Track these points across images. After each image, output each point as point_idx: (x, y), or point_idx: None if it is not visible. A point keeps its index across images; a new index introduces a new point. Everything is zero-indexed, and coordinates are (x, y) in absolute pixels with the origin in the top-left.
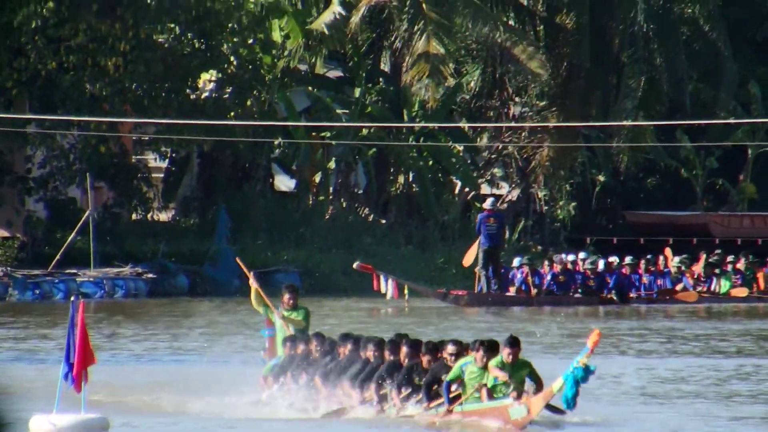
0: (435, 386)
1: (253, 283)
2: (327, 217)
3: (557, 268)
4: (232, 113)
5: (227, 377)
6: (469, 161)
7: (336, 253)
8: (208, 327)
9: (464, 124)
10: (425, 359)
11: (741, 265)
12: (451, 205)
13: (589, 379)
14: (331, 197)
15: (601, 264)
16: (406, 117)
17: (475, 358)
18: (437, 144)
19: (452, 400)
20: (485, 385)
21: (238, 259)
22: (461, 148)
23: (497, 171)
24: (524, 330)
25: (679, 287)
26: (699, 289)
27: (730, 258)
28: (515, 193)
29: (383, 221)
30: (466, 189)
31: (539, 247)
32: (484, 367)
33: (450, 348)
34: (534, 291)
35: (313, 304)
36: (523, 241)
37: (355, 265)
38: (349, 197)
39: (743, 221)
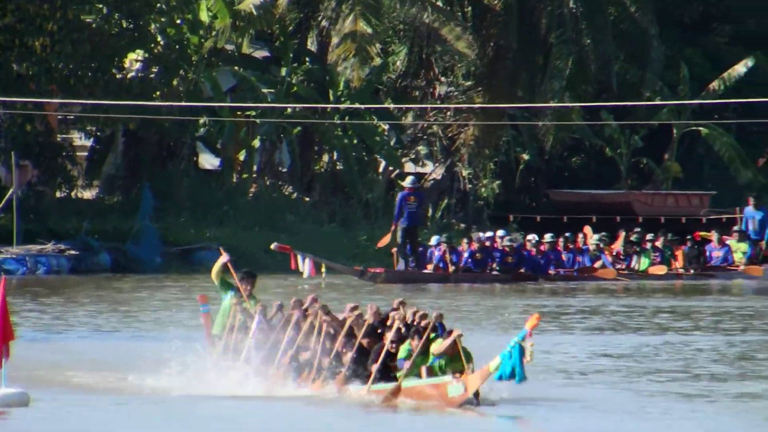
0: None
1: (225, 258)
2: (251, 195)
3: (475, 245)
4: (158, 93)
5: (150, 354)
6: (393, 140)
7: (259, 232)
8: (129, 304)
9: (390, 105)
10: (365, 341)
11: (660, 243)
12: (375, 183)
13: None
14: (255, 175)
15: (521, 241)
16: (331, 96)
17: (411, 345)
18: (362, 122)
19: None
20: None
21: (280, 246)
22: (386, 127)
23: (422, 149)
24: (440, 307)
25: (597, 265)
26: (618, 266)
27: (649, 236)
28: (439, 172)
29: (307, 199)
30: (390, 167)
31: (462, 225)
32: (423, 353)
33: (391, 337)
34: (451, 268)
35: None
36: (446, 218)
37: (273, 246)
38: (274, 176)
39: (667, 200)
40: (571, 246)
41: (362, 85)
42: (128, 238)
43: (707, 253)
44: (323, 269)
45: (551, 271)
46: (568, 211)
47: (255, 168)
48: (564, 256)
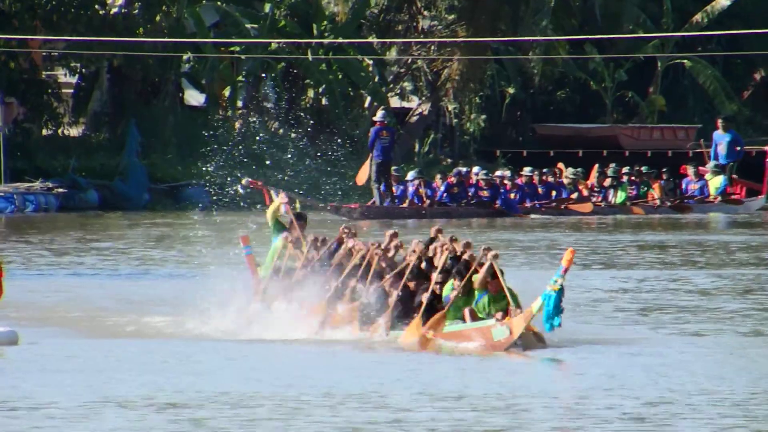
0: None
1: (283, 198)
2: (236, 131)
3: (452, 179)
4: (142, 29)
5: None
6: (377, 77)
7: (246, 168)
8: (118, 241)
9: (373, 40)
10: (411, 284)
11: (636, 176)
12: (361, 119)
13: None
14: (240, 111)
15: (499, 174)
16: (315, 31)
17: (454, 284)
18: (346, 58)
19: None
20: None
21: (251, 182)
22: (371, 63)
23: (407, 85)
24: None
25: (573, 196)
26: (594, 200)
27: (625, 169)
28: (425, 107)
29: (293, 135)
30: (375, 103)
31: (449, 160)
32: (467, 293)
33: (437, 277)
34: (426, 203)
35: (226, 218)
36: (432, 154)
37: (243, 182)
38: (259, 112)
39: (653, 133)
40: (548, 179)
41: (346, 20)
42: (115, 176)
43: (683, 186)
44: (297, 205)
45: (527, 204)
46: (554, 145)
47: (240, 104)
48: (540, 190)
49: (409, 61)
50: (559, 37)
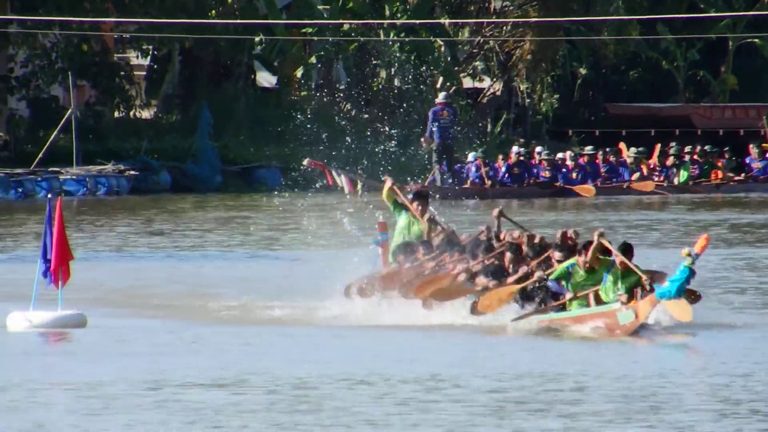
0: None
1: (389, 183)
2: (309, 113)
3: (512, 160)
4: (213, 11)
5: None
6: (449, 57)
7: (319, 148)
8: (194, 223)
9: (444, 21)
10: (533, 263)
11: (699, 155)
12: (434, 99)
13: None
14: (312, 93)
15: (560, 155)
16: (387, 12)
17: (578, 262)
18: (418, 39)
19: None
20: (595, 289)
21: (313, 162)
22: (442, 43)
23: (479, 65)
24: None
25: (635, 177)
26: (656, 179)
27: (687, 148)
28: (497, 87)
29: (365, 116)
30: (448, 83)
31: (521, 140)
32: (591, 270)
33: (557, 255)
34: (488, 183)
35: (297, 199)
36: (505, 134)
37: (305, 162)
38: (331, 93)
39: (725, 112)
40: (610, 159)
41: (418, 1)
42: (187, 158)
43: (748, 165)
44: (359, 186)
45: (588, 184)
46: (626, 124)
47: (312, 86)
48: (602, 170)
49: (481, 41)
50: (630, 16)
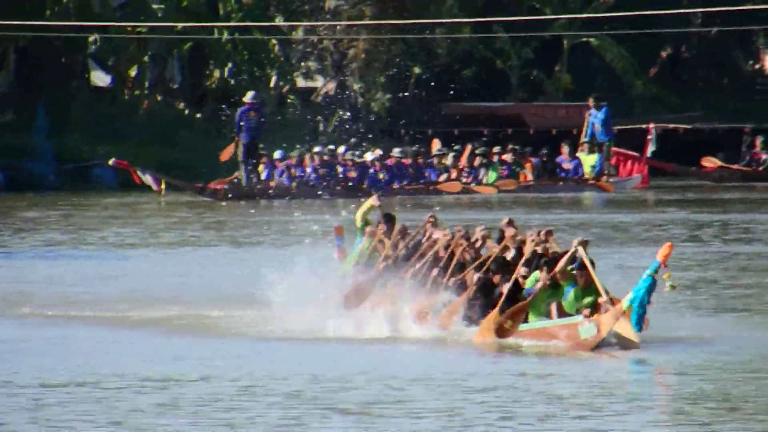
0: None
1: (375, 201)
2: (143, 112)
3: (318, 160)
4: (49, 11)
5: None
6: (282, 57)
7: (153, 148)
8: (29, 222)
9: (278, 24)
10: (496, 278)
11: (508, 156)
12: (267, 99)
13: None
14: (147, 92)
15: (369, 156)
16: (221, 11)
17: (541, 278)
18: (252, 38)
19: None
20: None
21: (118, 162)
22: (276, 42)
23: (312, 64)
24: (282, 221)
25: (442, 178)
26: (464, 180)
27: (496, 149)
28: (331, 86)
29: (199, 115)
30: (281, 83)
31: (353, 140)
32: (554, 286)
33: (523, 270)
34: (294, 183)
35: (132, 196)
36: (337, 133)
37: (110, 162)
38: (165, 92)
39: (558, 112)
40: (419, 161)
41: (253, 0)
42: (23, 156)
43: (558, 165)
44: (163, 185)
45: (395, 186)
46: (460, 123)
47: (147, 84)
48: (411, 171)
49: (315, 40)
50: (466, 20)
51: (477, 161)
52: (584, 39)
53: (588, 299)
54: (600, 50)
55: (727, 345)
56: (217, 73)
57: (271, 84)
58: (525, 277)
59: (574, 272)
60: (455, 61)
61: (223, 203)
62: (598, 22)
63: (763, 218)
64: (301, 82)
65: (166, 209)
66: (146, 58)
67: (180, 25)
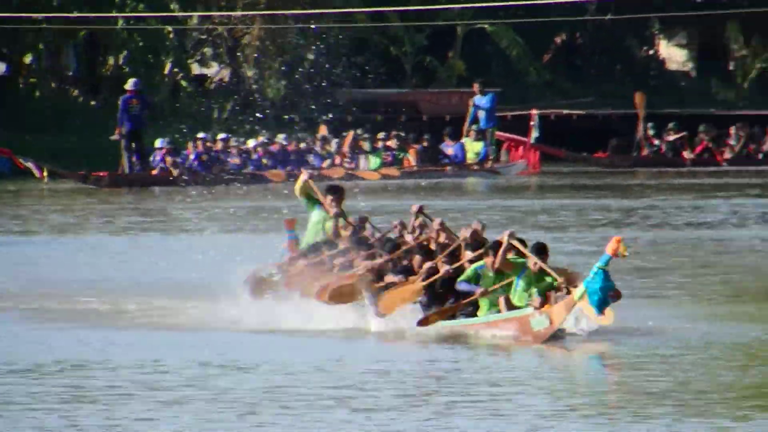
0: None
1: (305, 176)
2: (37, 99)
3: (201, 147)
4: None
5: None
6: (177, 44)
7: (47, 135)
8: None
9: (174, 14)
10: (439, 259)
11: (392, 142)
12: (162, 86)
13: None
14: (42, 80)
15: (252, 143)
16: (117, 0)
17: (487, 263)
18: (147, 27)
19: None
20: (506, 295)
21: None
22: (172, 30)
23: (207, 51)
24: (165, 210)
25: (326, 164)
26: (347, 165)
27: (381, 135)
28: (225, 73)
29: (93, 103)
30: (176, 70)
31: (248, 126)
32: (499, 273)
33: (468, 254)
34: (175, 171)
35: (26, 184)
36: (231, 120)
37: None
38: (60, 79)
39: (452, 98)
40: (303, 146)
41: None
42: None
43: (441, 152)
44: (45, 172)
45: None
46: (354, 110)
47: (42, 72)
48: (294, 157)
49: (210, 27)
50: (359, 9)
51: (361, 147)
52: (479, 25)
53: (541, 286)
54: (494, 37)
55: (642, 331)
56: (111, 61)
57: (166, 71)
58: (471, 262)
59: (521, 261)
60: (349, 48)
61: (106, 191)
62: (493, 8)
63: (656, 203)
64: (196, 69)
65: (50, 196)
66: (41, 46)
67: (76, 14)
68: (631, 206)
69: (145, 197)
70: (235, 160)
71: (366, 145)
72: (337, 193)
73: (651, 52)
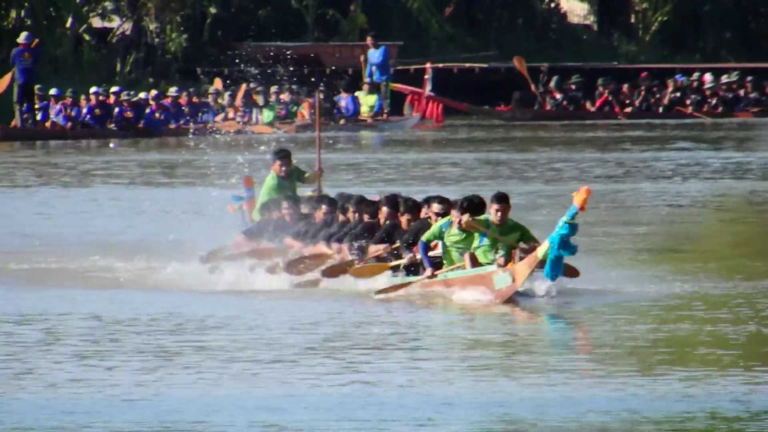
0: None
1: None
2: None
3: (94, 101)
4: None
5: None
6: None
7: None
8: None
9: None
10: (404, 219)
11: (286, 96)
12: (63, 39)
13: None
14: None
15: (143, 95)
16: None
17: (455, 219)
18: None
19: (434, 265)
20: (470, 251)
21: None
22: None
23: (108, 4)
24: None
25: (219, 118)
26: (239, 119)
27: (274, 89)
28: (127, 26)
29: None
30: (77, 24)
31: (151, 80)
32: (467, 231)
33: (436, 206)
34: (69, 124)
35: None
36: (134, 74)
37: None
38: None
39: (354, 51)
40: (195, 100)
41: None
42: None
43: (335, 105)
44: None
45: (172, 126)
46: (256, 63)
47: None
48: (187, 110)
49: None
50: None
51: (255, 101)
52: None
53: (506, 243)
54: None
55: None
56: (13, 14)
57: (68, 24)
58: (438, 215)
59: (487, 217)
60: (250, 0)
61: None
62: None
63: (555, 156)
64: (97, 23)
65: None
66: None
67: None
68: (533, 159)
69: (40, 150)
70: (128, 115)
71: (259, 99)
72: (283, 156)
73: (552, 5)
